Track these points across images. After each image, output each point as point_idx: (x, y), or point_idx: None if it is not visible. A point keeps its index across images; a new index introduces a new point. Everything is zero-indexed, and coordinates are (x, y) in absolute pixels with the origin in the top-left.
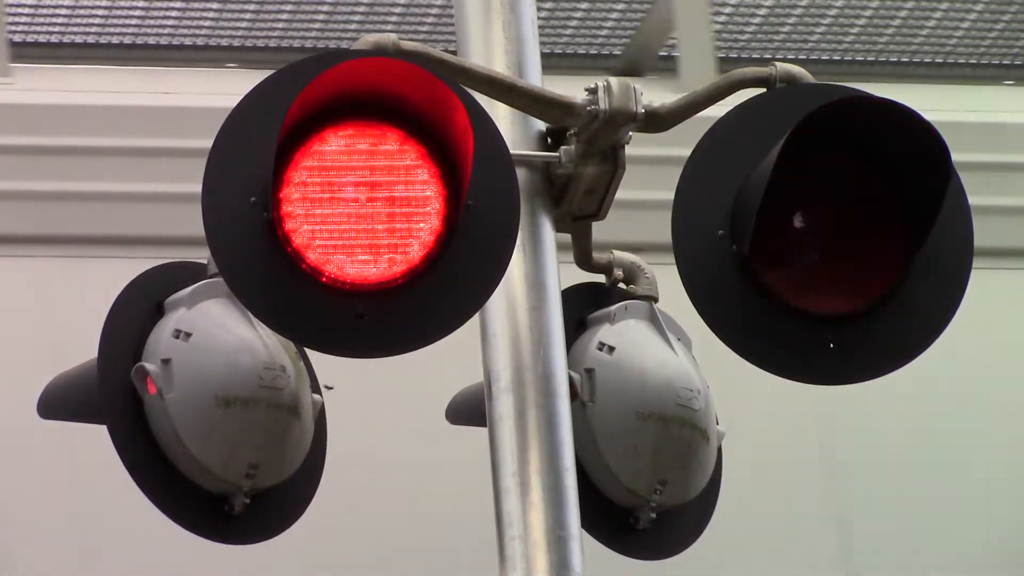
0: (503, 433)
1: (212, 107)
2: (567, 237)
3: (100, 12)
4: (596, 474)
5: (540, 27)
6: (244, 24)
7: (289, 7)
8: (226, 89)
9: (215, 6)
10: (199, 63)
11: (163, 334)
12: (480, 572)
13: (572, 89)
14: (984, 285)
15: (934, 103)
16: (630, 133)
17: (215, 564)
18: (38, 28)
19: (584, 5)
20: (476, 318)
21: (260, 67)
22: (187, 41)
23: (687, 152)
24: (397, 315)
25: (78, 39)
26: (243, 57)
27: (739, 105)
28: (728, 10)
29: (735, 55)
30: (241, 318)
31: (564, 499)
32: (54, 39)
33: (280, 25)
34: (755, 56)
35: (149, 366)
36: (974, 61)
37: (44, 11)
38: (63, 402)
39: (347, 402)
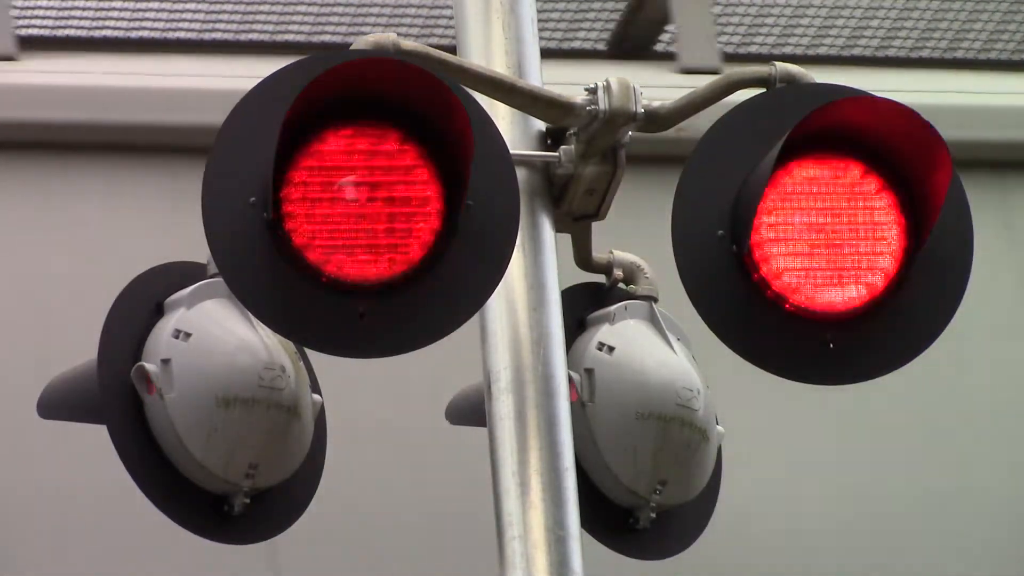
0: (503, 433)
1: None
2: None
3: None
4: (596, 474)
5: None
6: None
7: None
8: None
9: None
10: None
11: (163, 334)
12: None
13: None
14: None
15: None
16: (630, 133)
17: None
18: None
19: None
20: (476, 318)
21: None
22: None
23: None
24: (397, 315)
25: None
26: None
27: (739, 105)
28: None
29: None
30: (241, 318)
31: (564, 499)
32: None
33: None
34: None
35: (149, 366)
36: None
37: None
38: (63, 402)
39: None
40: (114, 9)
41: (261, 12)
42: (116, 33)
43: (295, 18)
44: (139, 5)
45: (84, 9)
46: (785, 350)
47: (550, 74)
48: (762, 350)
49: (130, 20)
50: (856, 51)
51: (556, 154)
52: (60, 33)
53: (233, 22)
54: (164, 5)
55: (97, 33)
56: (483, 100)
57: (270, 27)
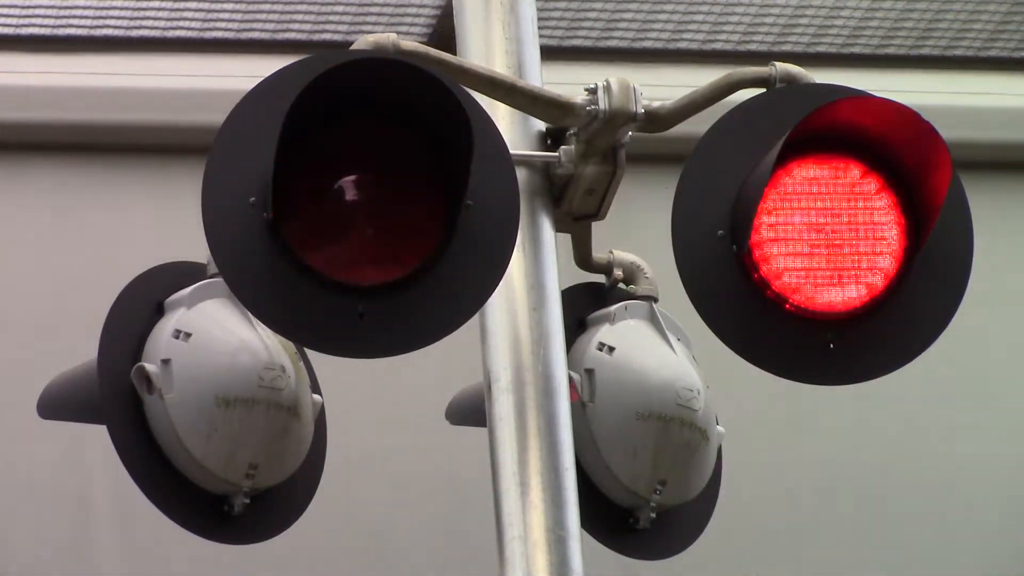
0: (503, 433)
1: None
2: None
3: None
4: (596, 474)
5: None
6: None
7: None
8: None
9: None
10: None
11: (163, 334)
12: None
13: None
14: None
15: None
16: (630, 133)
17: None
18: None
19: None
20: (476, 318)
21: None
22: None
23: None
24: (397, 315)
25: None
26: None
27: (739, 105)
28: None
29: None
30: (241, 318)
31: (564, 499)
32: None
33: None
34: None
35: (149, 366)
36: None
37: None
38: (63, 402)
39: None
40: (114, 8)
41: (261, 11)
42: (116, 32)
43: (296, 17)
44: (139, 4)
45: (85, 8)
46: (785, 350)
47: (550, 71)
48: (762, 350)
49: (130, 19)
50: (821, 48)
51: (556, 154)
52: (61, 32)
53: (234, 21)
54: (164, 4)
55: (97, 32)
56: (483, 100)
57: (271, 26)
